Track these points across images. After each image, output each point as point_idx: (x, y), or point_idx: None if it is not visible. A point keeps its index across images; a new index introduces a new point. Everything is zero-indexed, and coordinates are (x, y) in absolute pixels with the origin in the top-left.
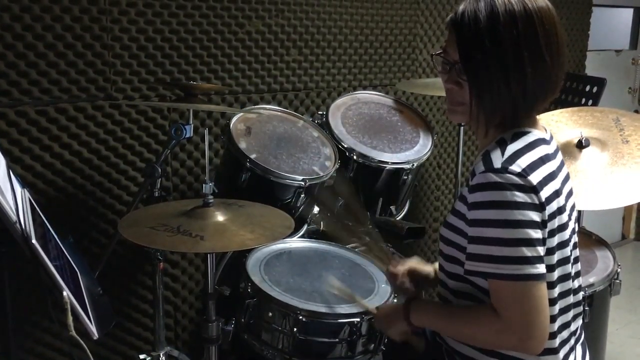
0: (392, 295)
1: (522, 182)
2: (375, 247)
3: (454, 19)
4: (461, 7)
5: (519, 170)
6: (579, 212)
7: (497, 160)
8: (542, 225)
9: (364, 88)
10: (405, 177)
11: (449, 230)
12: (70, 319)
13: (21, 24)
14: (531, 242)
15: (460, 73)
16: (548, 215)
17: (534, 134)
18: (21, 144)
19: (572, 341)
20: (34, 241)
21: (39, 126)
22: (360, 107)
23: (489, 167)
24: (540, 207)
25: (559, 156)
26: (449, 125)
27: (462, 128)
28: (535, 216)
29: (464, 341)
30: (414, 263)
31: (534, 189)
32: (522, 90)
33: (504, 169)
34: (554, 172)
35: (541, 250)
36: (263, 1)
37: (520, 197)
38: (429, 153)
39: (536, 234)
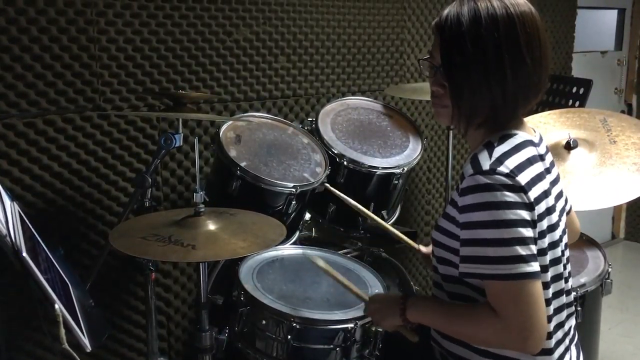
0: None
1: (511, 182)
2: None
3: (438, 22)
4: (446, 10)
5: (507, 171)
6: None
7: (485, 162)
8: (532, 224)
9: (353, 94)
10: (396, 182)
11: (441, 233)
12: (62, 331)
13: (7, 36)
14: (524, 241)
15: (443, 76)
16: (537, 216)
17: (521, 136)
18: (9, 156)
19: (567, 341)
20: (24, 254)
21: (27, 138)
22: (350, 112)
23: (478, 169)
24: (530, 206)
25: (549, 157)
26: (438, 129)
27: (451, 132)
28: (526, 215)
29: (462, 340)
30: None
31: (523, 189)
32: (502, 94)
33: (492, 170)
34: (541, 173)
35: (534, 248)
36: (250, 9)
37: (510, 196)
38: (419, 157)
39: (528, 232)
